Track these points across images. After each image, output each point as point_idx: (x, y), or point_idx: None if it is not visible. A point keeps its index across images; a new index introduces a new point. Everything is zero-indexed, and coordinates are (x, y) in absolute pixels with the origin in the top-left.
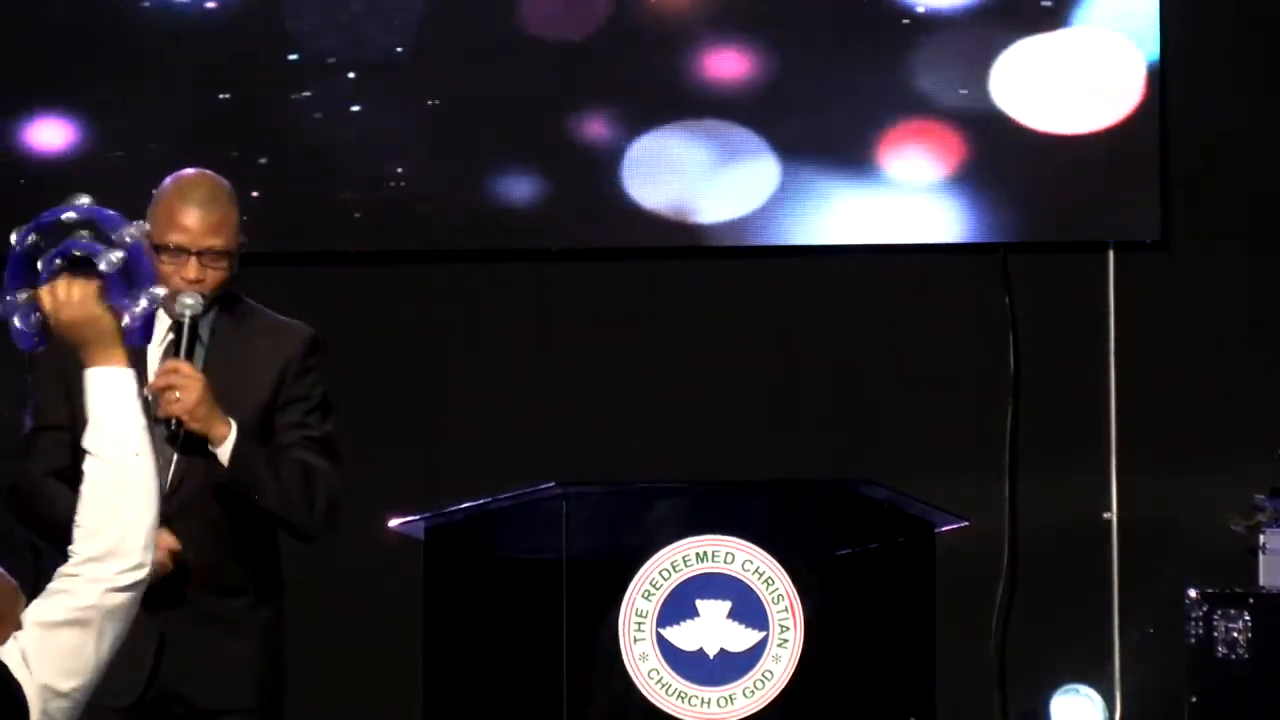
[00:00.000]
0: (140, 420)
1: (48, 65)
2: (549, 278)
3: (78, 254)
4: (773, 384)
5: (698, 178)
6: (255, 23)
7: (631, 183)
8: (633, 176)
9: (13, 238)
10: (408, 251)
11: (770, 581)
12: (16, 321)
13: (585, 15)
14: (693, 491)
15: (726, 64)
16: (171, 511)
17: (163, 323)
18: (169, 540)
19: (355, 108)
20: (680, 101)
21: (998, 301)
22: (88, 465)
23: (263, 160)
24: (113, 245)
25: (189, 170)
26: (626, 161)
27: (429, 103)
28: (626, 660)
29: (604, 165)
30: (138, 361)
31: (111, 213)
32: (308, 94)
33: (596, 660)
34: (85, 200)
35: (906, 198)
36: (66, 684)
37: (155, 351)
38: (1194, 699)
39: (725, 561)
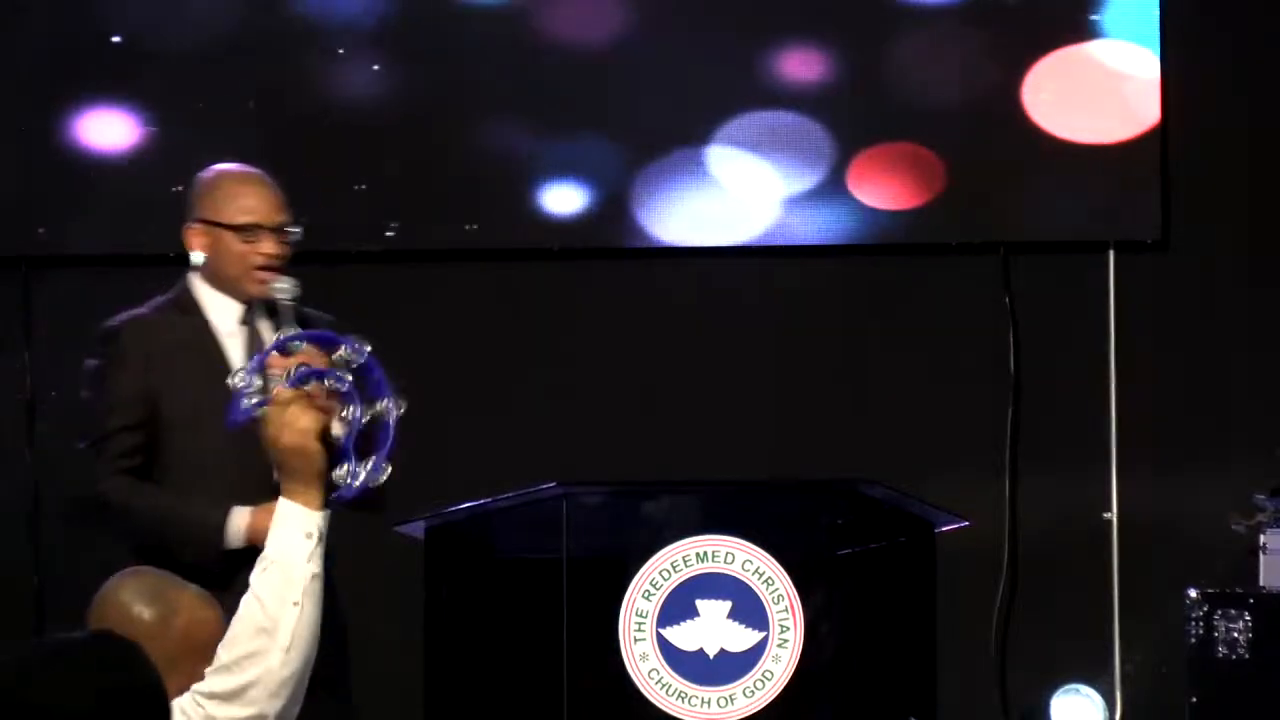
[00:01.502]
0: (314, 568)
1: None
2: (549, 277)
3: (333, 386)
4: (773, 384)
5: (700, 180)
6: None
7: (633, 182)
8: (635, 177)
9: (280, 334)
10: (408, 251)
11: (770, 581)
12: (246, 403)
13: (606, 19)
14: (693, 491)
15: (729, 62)
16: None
17: (233, 309)
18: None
19: (353, 109)
20: (695, 105)
21: (998, 301)
22: (245, 600)
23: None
24: (369, 405)
25: (225, 163)
26: (628, 161)
27: (428, 104)
28: (626, 660)
29: (606, 164)
30: (224, 365)
31: (381, 376)
32: (308, 93)
33: (596, 660)
34: (368, 349)
35: (906, 198)
36: None
37: (235, 336)
38: (1194, 699)
39: (725, 561)
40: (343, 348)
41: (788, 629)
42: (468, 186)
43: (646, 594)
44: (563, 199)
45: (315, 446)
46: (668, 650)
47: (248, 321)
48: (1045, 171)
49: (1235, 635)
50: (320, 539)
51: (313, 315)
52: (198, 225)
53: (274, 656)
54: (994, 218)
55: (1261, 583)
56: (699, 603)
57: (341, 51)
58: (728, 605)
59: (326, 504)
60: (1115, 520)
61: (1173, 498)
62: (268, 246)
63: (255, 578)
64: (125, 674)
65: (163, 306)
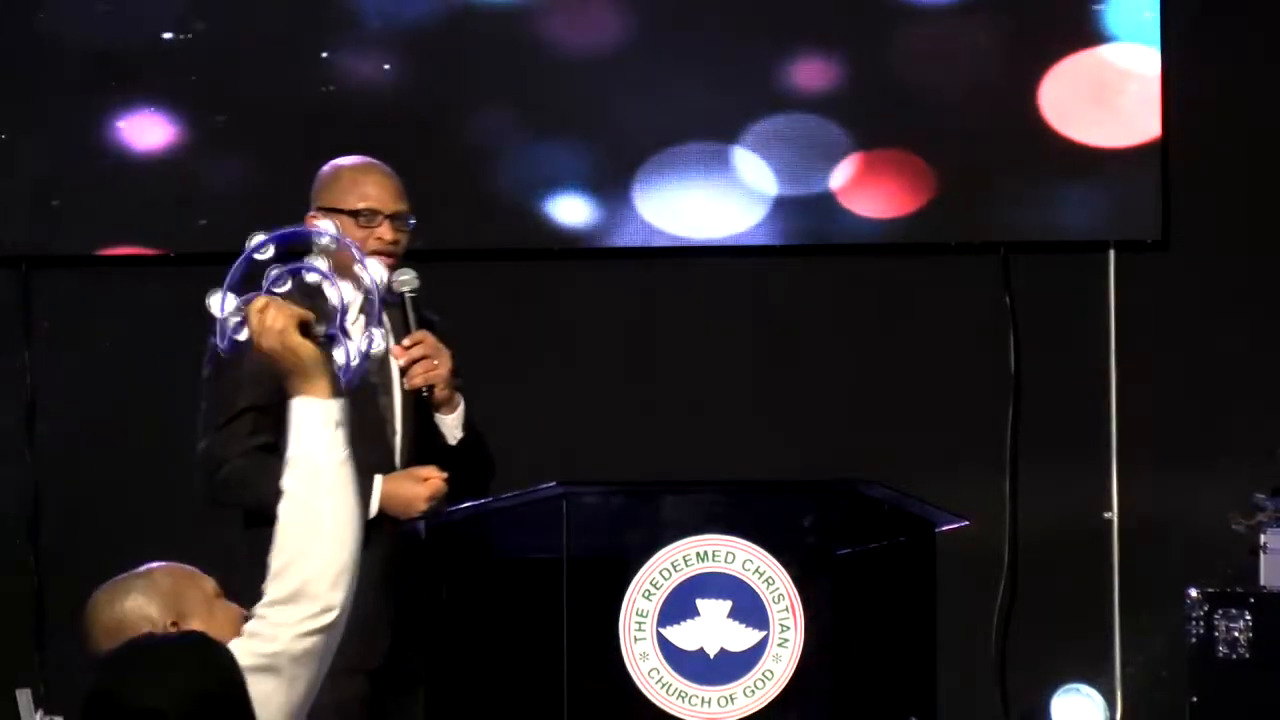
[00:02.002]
0: (339, 455)
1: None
2: (550, 277)
3: (308, 279)
4: (774, 383)
5: (700, 180)
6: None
7: (634, 182)
8: (636, 176)
9: (250, 241)
10: (411, 251)
11: (771, 581)
12: (230, 324)
13: (611, 19)
14: (693, 491)
15: (730, 62)
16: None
17: (357, 299)
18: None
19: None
20: (696, 105)
21: (998, 301)
22: (280, 504)
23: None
24: (346, 280)
25: (345, 156)
26: (629, 161)
27: (428, 103)
28: (627, 660)
29: (606, 164)
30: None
31: (356, 247)
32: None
33: (597, 660)
34: (332, 230)
35: (907, 198)
36: None
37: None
38: (1194, 698)
39: (726, 561)
40: (319, 239)
41: (788, 628)
42: (469, 187)
43: (647, 594)
44: (564, 199)
45: (296, 340)
46: (668, 650)
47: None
48: (1045, 171)
49: (1236, 635)
50: (338, 425)
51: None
52: (317, 213)
53: (323, 548)
54: (994, 218)
55: (1262, 582)
56: (699, 602)
57: (345, 49)
58: (728, 605)
59: (339, 392)
60: (1116, 520)
61: (1173, 497)
62: (385, 232)
63: (285, 480)
64: (216, 675)
65: (289, 295)
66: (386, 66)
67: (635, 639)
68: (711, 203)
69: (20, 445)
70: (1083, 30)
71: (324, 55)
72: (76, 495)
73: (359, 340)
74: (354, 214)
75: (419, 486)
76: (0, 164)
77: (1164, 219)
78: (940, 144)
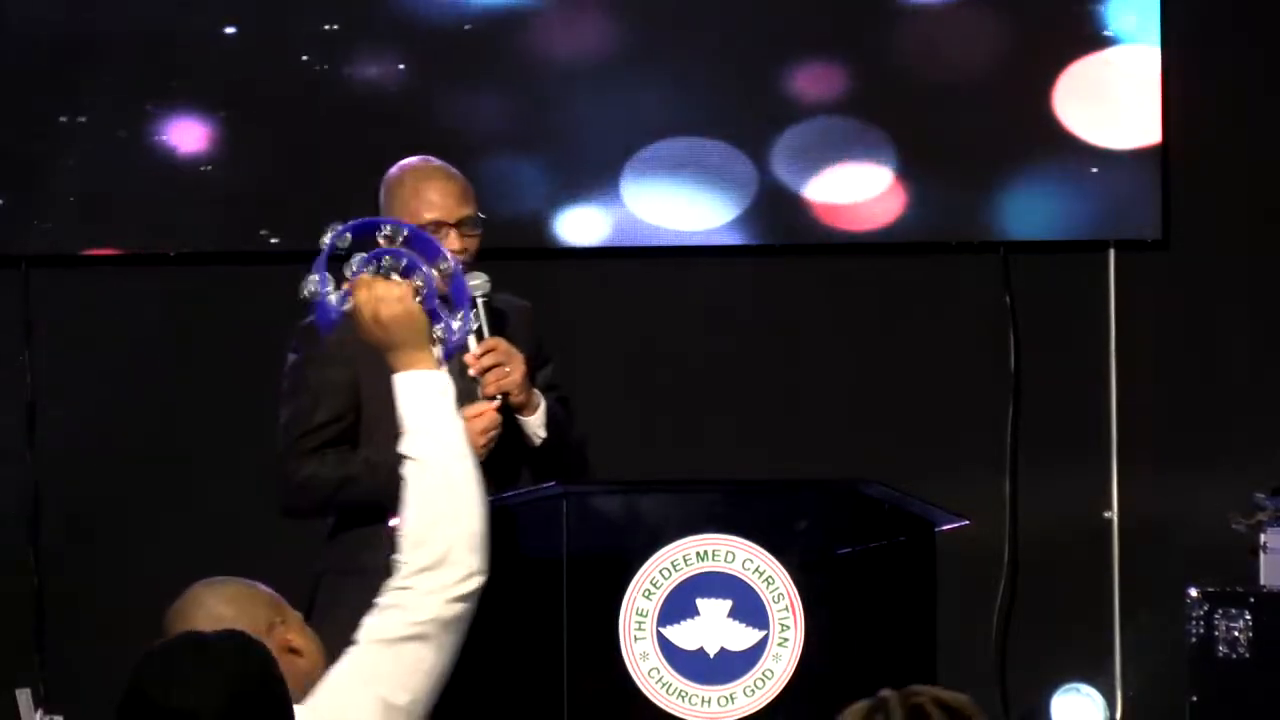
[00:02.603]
0: (459, 422)
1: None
2: (550, 277)
3: (395, 261)
4: (773, 383)
5: (700, 179)
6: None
7: (633, 181)
8: (635, 176)
9: (326, 236)
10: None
11: (771, 581)
12: (331, 299)
13: (610, 18)
14: (693, 490)
15: (731, 60)
16: None
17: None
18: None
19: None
20: (695, 102)
21: (998, 301)
22: (409, 472)
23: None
24: (434, 266)
25: (412, 158)
26: (629, 160)
27: (428, 103)
28: (627, 660)
29: (606, 164)
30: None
31: (431, 239)
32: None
33: (597, 660)
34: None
35: (906, 197)
36: (404, 698)
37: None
38: (1194, 698)
39: (726, 561)
40: (385, 227)
41: (788, 628)
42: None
43: (647, 593)
44: (563, 200)
45: (415, 306)
46: (668, 649)
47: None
48: (1045, 171)
49: (1236, 634)
50: (449, 393)
51: (506, 305)
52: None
53: (462, 512)
54: (994, 217)
55: (1262, 582)
56: (699, 602)
57: (343, 51)
58: (728, 604)
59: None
60: (1115, 519)
61: (1173, 497)
62: (452, 242)
63: (410, 447)
64: (255, 674)
65: None
66: (384, 68)
67: (635, 638)
68: (711, 202)
69: (20, 445)
70: (1083, 31)
71: (323, 57)
72: (76, 495)
73: (458, 317)
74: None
75: (471, 425)
76: (0, 164)
77: (1164, 219)
78: (940, 144)
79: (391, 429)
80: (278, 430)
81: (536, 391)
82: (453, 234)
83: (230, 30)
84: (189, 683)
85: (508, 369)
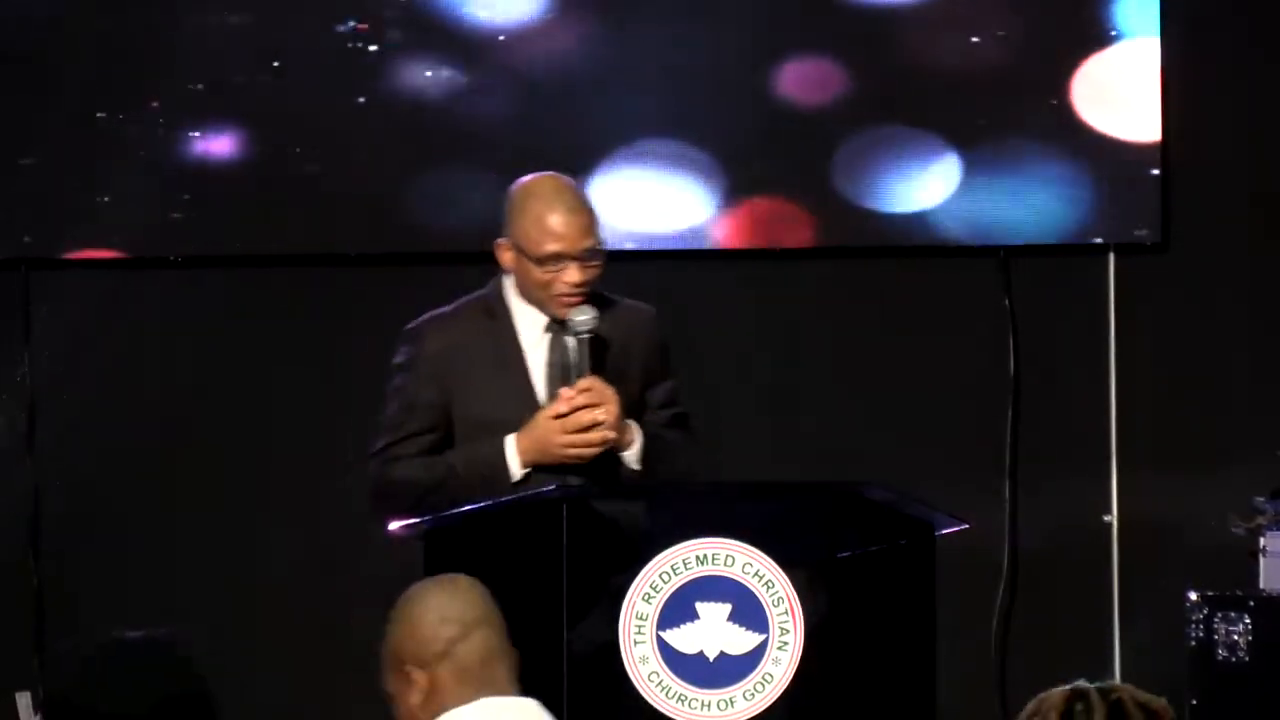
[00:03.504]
0: None
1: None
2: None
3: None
4: (773, 385)
5: (702, 183)
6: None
7: (631, 182)
8: (634, 176)
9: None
10: (408, 253)
11: (770, 584)
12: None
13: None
14: (693, 494)
15: (726, 58)
16: None
17: (539, 320)
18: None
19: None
20: (693, 102)
21: (998, 304)
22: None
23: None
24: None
25: (539, 177)
26: (627, 161)
27: (429, 105)
28: (626, 663)
29: (605, 163)
30: (524, 374)
31: None
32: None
33: (596, 663)
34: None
35: (906, 200)
36: None
37: (539, 357)
38: (1194, 701)
39: (725, 564)
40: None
41: (788, 631)
42: (471, 189)
43: (646, 597)
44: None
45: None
46: (668, 653)
47: (551, 330)
48: (1045, 173)
49: (1235, 638)
50: None
51: (624, 317)
52: (506, 242)
53: None
54: (994, 220)
55: (1262, 585)
56: (699, 605)
57: (340, 50)
58: (728, 608)
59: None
60: (1115, 522)
61: (1173, 500)
62: (571, 275)
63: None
64: (182, 675)
65: (470, 307)
66: (391, 72)
67: (635, 642)
68: (711, 206)
69: (20, 445)
70: (1082, 32)
71: (326, 59)
72: (76, 495)
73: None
74: (538, 259)
75: (550, 424)
76: (0, 165)
77: (1163, 223)
78: (939, 145)
79: (481, 436)
80: (379, 421)
81: (633, 426)
82: (573, 267)
83: (232, 31)
84: (116, 682)
85: (598, 412)
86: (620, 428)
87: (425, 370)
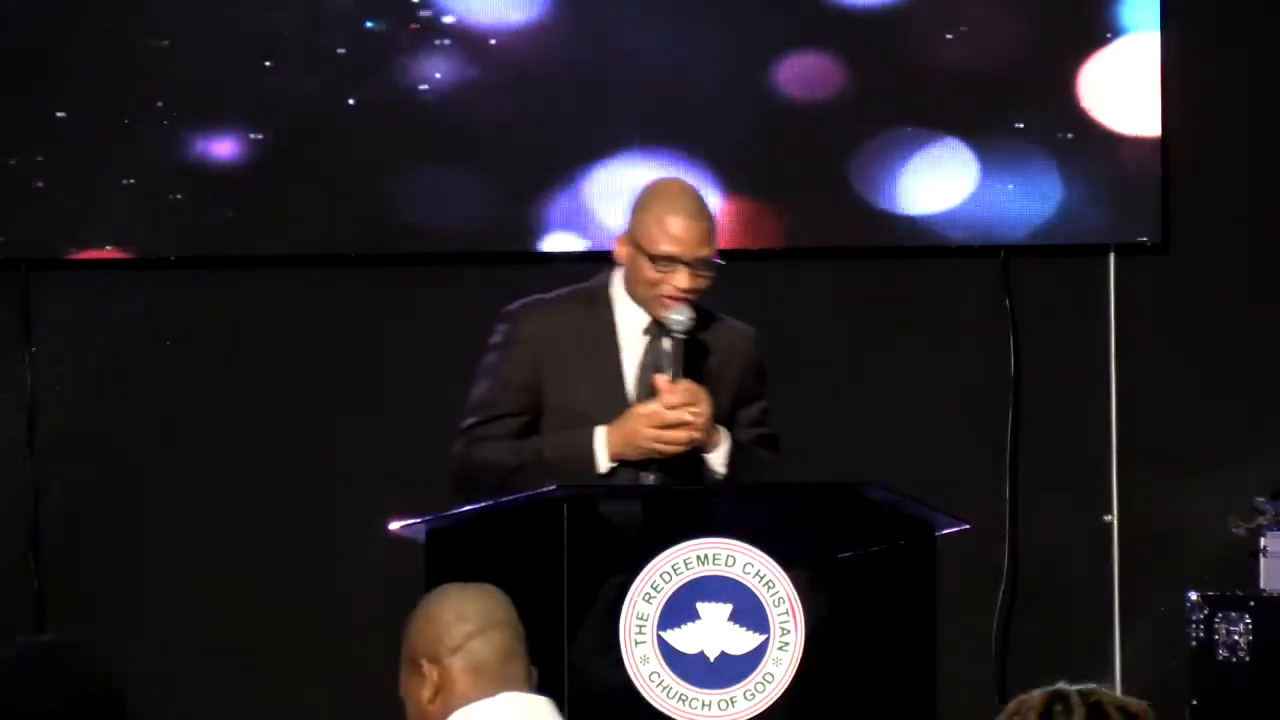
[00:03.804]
0: None
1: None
2: (550, 279)
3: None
4: (773, 386)
5: (698, 180)
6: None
7: (629, 182)
8: (632, 176)
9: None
10: (408, 254)
11: (771, 584)
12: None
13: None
14: (693, 494)
15: (728, 58)
16: None
17: (641, 318)
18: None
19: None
20: (695, 102)
21: (998, 304)
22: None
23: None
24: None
25: (668, 179)
26: (626, 162)
27: (429, 107)
28: (627, 663)
29: (603, 163)
30: (617, 370)
31: None
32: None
33: (597, 663)
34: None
35: (906, 200)
36: None
37: (633, 356)
38: (1194, 702)
39: (726, 564)
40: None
41: (788, 632)
42: (471, 189)
43: (647, 597)
44: (564, 200)
45: None
46: (668, 653)
47: (650, 333)
48: (1045, 174)
49: (1236, 638)
50: None
51: (724, 335)
52: (625, 237)
53: None
54: (994, 220)
55: (1262, 585)
56: (700, 605)
57: (338, 50)
58: (728, 608)
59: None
60: (1115, 523)
61: (1173, 500)
62: (681, 280)
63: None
64: (91, 679)
65: (573, 296)
66: (388, 74)
67: (636, 642)
68: (711, 204)
69: (20, 445)
70: (1082, 32)
71: (322, 59)
72: (76, 496)
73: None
74: (652, 258)
75: (640, 418)
76: (0, 165)
77: (1164, 221)
78: (940, 146)
79: (565, 425)
80: (467, 400)
81: (721, 430)
82: (684, 272)
83: (233, 31)
84: (25, 686)
85: (687, 414)
86: (709, 430)
87: (521, 352)
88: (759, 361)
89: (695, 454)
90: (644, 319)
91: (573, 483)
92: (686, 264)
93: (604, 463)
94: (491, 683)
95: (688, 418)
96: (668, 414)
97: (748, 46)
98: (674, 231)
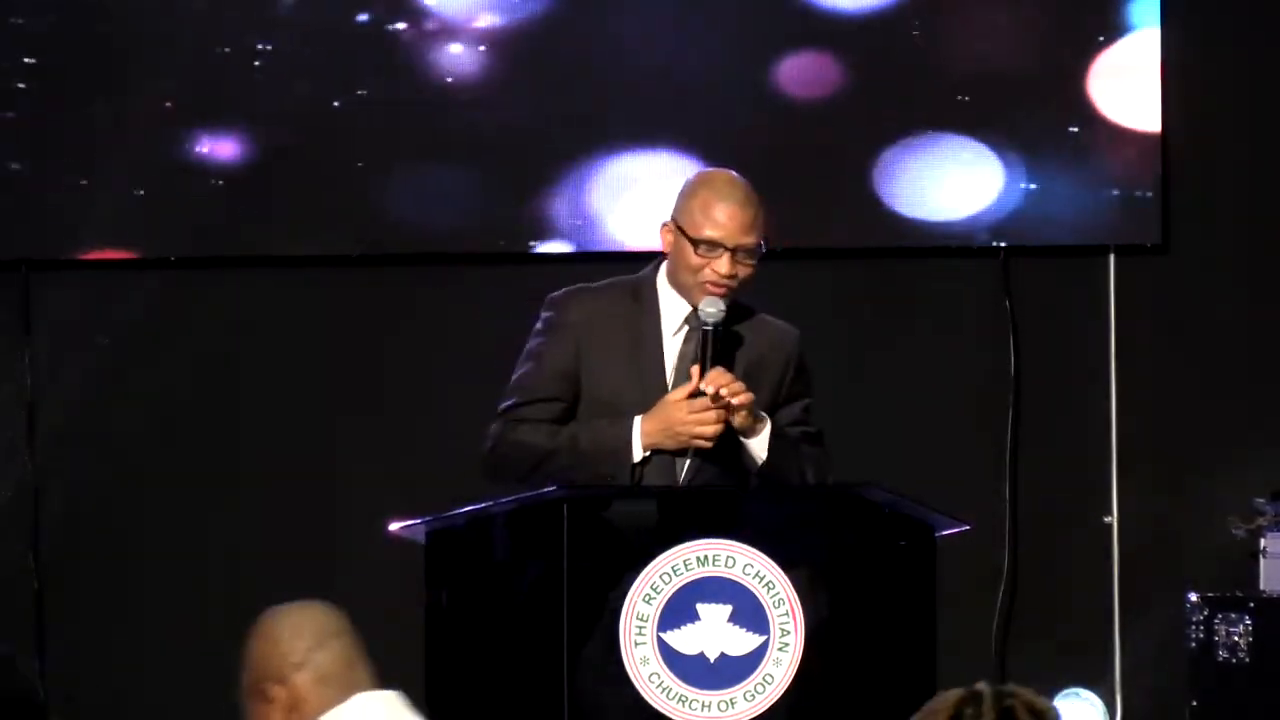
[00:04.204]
0: None
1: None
2: (549, 279)
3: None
4: None
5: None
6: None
7: (627, 182)
8: (630, 177)
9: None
10: (408, 254)
11: (771, 585)
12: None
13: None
14: (693, 495)
15: (732, 59)
16: None
17: (682, 309)
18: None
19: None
20: (695, 102)
21: (998, 304)
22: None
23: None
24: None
25: (718, 169)
26: (625, 162)
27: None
28: (627, 664)
29: (602, 163)
30: (658, 361)
31: None
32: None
33: (597, 664)
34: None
35: (907, 200)
36: None
37: (674, 348)
38: (1194, 702)
39: (726, 565)
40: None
41: (788, 633)
42: (473, 190)
43: (647, 598)
44: (564, 200)
45: None
46: (668, 654)
47: (691, 323)
48: (1046, 174)
49: (1235, 639)
50: None
51: (768, 333)
52: (670, 224)
53: None
54: (994, 220)
55: (1262, 586)
56: (699, 606)
57: (333, 51)
58: (728, 609)
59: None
60: (1115, 524)
61: (1173, 501)
62: (722, 266)
63: None
64: (7, 682)
65: (619, 287)
66: (389, 72)
67: (636, 643)
68: None
69: (20, 445)
70: (1082, 33)
71: (322, 59)
72: (76, 495)
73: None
74: (695, 243)
75: (677, 404)
76: (1, 165)
77: (1164, 222)
78: (940, 146)
79: (603, 414)
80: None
81: (764, 416)
82: (726, 258)
83: (233, 32)
84: None
85: (728, 388)
86: (748, 415)
87: (564, 337)
88: (801, 361)
89: (735, 441)
90: (685, 310)
91: (606, 470)
92: (730, 250)
93: (639, 451)
94: (341, 689)
95: (723, 393)
96: (701, 397)
97: (748, 46)
98: (718, 217)
